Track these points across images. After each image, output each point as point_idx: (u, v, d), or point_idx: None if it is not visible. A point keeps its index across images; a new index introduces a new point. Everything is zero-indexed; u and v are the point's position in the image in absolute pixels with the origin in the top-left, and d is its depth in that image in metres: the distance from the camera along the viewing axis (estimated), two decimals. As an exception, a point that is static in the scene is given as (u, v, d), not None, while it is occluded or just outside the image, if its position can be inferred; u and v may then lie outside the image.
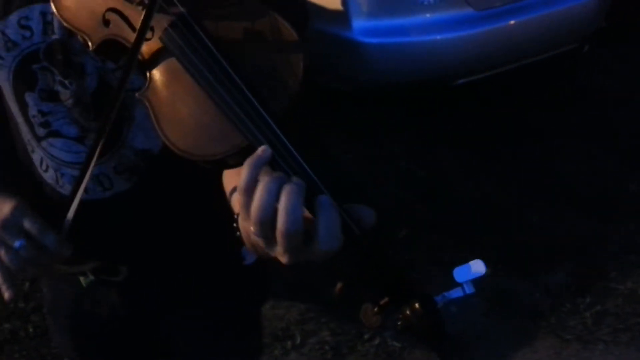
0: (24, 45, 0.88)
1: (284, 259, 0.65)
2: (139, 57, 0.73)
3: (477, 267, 0.67)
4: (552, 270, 2.54)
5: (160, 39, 0.71)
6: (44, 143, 0.93)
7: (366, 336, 2.27)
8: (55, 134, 0.92)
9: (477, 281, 0.67)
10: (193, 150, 0.68)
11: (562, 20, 3.45)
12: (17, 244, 0.86)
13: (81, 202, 0.94)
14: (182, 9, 0.71)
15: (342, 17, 3.09)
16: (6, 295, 0.87)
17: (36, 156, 0.97)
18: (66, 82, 0.88)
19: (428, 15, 3.13)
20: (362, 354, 2.22)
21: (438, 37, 3.14)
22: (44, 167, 0.97)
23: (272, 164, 0.65)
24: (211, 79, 0.67)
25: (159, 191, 0.94)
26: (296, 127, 0.70)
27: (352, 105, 3.54)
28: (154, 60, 0.72)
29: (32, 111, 0.92)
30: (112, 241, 0.99)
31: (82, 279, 1.04)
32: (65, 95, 0.89)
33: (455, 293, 0.66)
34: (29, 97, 0.91)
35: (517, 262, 2.58)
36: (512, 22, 3.29)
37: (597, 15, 3.62)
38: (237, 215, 0.69)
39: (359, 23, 3.08)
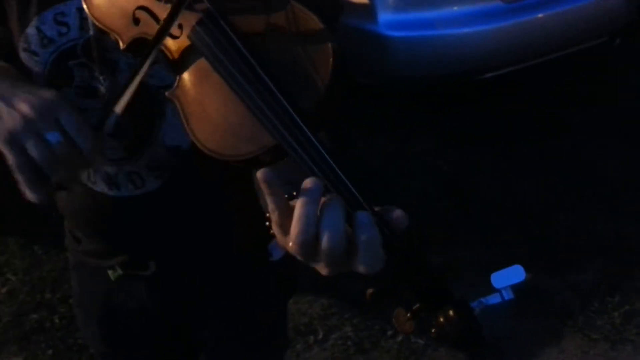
0: (61, 42, 0.87)
1: (323, 271, 0.64)
2: (169, 55, 0.72)
3: (517, 272, 0.64)
4: (580, 269, 2.50)
5: (189, 37, 0.70)
6: None
7: (389, 332, 2.25)
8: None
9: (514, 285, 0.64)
10: (222, 150, 0.67)
11: (592, 13, 3.38)
12: (51, 136, 0.75)
13: (112, 198, 0.94)
14: (209, 5, 0.69)
15: (368, 10, 3.07)
16: (30, 196, 0.75)
17: None
18: (101, 78, 0.88)
19: (455, 8, 3.10)
20: (385, 350, 2.21)
21: (465, 30, 3.11)
22: None
23: (302, 165, 0.64)
24: (239, 78, 0.66)
25: (189, 188, 0.94)
26: (329, 123, 0.68)
27: (377, 100, 3.51)
28: (183, 58, 0.71)
29: None
30: (141, 237, 0.99)
31: (110, 272, 1.05)
32: (100, 91, 0.89)
33: (493, 299, 0.64)
34: (66, 94, 0.89)
35: (545, 260, 2.54)
36: (540, 15, 3.24)
37: (628, 7, 3.54)
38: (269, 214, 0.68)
39: (385, 16, 3.06)
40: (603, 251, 2.58)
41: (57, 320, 2.32)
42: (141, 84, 0.85)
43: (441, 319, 0.63)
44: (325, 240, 0.61)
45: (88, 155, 0.76)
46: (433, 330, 0.63)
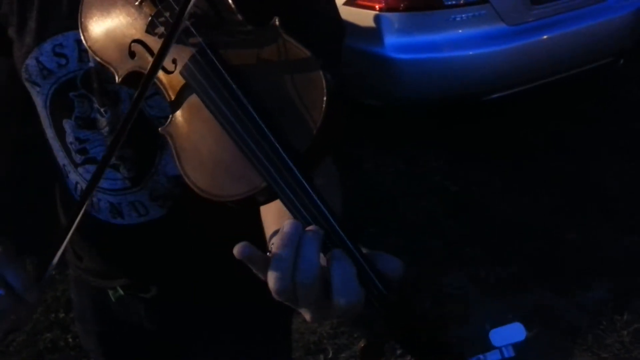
0: (60, 73, 0.87)
1: (307, 315, 0.62)
2: (164, 91, 0.71)
3: (517, 331, 0.60)
4: (589, 287, 2.50)
5: (181, 72, 0.69)
6: (80, 169, 0.93)
7: (399, 351, 2.26)
8: (93, 160, 0.92)
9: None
10: (212, 190, 0.65)
11: (597, 34, 3.42)
12: None
13: (115, 226, 0.94)
14: (200, 39, 0.68)
15: (374, 33, 3.12)
16: None
17: (71, 181, 0.97)
18: (102, 110, 0.87)
19: (460, 31, 3.14)
20: (394, 369, 2.22)
21: (470, 52, 3.15)
22: (78, 192, 0.96)
23: (291, 207, 0.62)
24: (229, 116, 0.64)
25: (192, 216, 0.91)
26: (329, 152, 0.66)
27: (385, 119, 3.55)
28: (177, 94, 0.70)
29: (69, 138, 0.91)
30: (144, 262, 1.00)
31: (111, 293, 1.05)
32: (102, 123, 0.88)
33: (493, 356, 0.60)
34: (67, 124, 0.90)
35: (553, 278, 2.54)
36: (545, 37, 3.28)
37: (633, 29, 3.58)
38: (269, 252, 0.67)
39: (391, 39, 3.11)
40: (611, 269, 2.57)
41: (70, 340, 2.34)
42: (141, 113, 0.84)
43: None
44: (298, 280, 0.59)
45: (32, 304, 0.79)
46: None
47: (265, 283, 1.05)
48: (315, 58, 0.65)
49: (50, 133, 0.94)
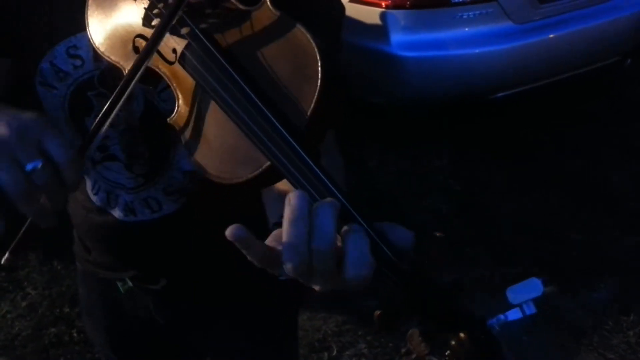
0: (77, 75, 0.86)
1: (316, 286, 0.61)
2: (169, 82, 0.72)
3: (534, 286, 0.58)
4: (592, 287, 2.50)
5: (179, 62, 0.70)
6: (99, 167, 0.93)
7: (403, 350, 2.24)
8: (112, 157, 0.91)
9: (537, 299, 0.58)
10: (221, 175, 0.66)
11: (604, 33, 3.41)
12: (29, 165, 0.63)
13: (127, 222, 0.93)
14: (192, 26, 0.69)
15: (380, 31, 3.12)
16: None
17: (88, 180, 0.97)
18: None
19: (467, 28, 3.13)
20: (399, 368, 2.22)
21: (477, 50, 3.14)
22: (95, 190, 0.97)
23: (295, 185, 0.62)
24: (227, 98, 0.65)
25: (205, 211, 0.92)
26: (323, 139, 0.66)
27: (388, 119, 3.54)
28: (180, 84, 0.71)
29: None
30: (155, 256, 1.00)
31: (120, 285, 1.06)
32: (118, 120, 0.88)
33: (514, 314, 0.58)
34: (88, 122, 0.90)
35: (557, 278, 2.54)
36: (552, 35, 3.27)
37: (639, 29, 3.57)
38: (275, 223, 0.68)
39: (397, 37, 3.10)
40: (614, 269, 2.57)
41: (75, 335, 2.34)
42: (155, 108, 0.85)
43: (453, 342, 0.59)
44: (315, 248, 0.57)
45: (71, 185, 0.67)
46: (447, 353, 0.60)
47: (267, 280, 1.06)
48: (307, 30, 0.64)
49: (68, 134, 0.93)
